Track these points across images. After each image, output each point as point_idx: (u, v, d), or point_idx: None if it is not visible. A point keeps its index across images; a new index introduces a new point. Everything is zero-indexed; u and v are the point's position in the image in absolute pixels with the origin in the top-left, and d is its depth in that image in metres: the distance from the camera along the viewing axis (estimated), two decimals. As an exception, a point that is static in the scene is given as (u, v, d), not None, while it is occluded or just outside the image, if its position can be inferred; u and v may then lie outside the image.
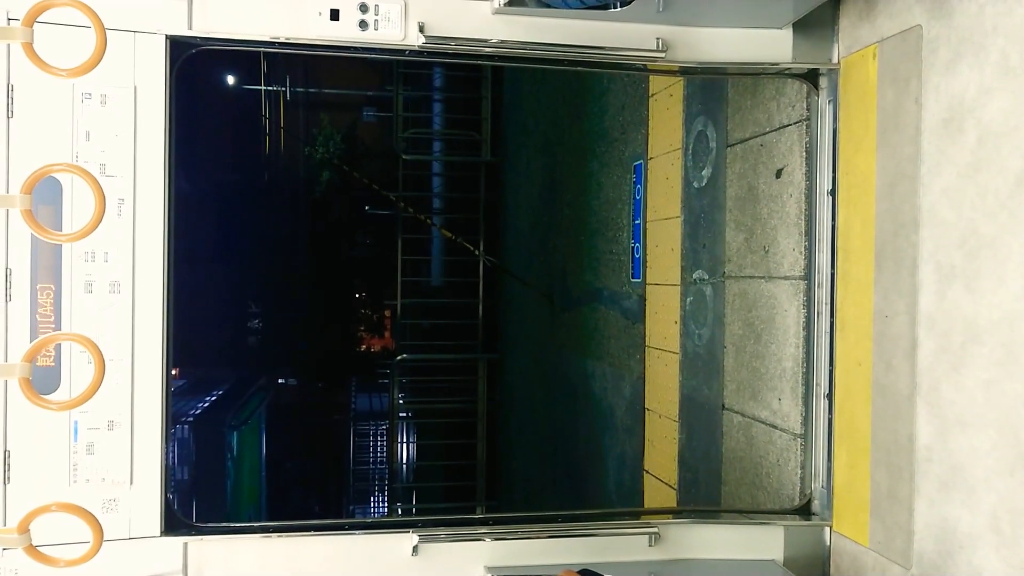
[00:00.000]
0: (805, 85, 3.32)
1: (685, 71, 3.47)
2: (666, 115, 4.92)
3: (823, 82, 3.28)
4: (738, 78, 3.89)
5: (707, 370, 4.36)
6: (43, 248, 2.73)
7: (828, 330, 3.24)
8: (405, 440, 12.06)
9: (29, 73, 2.57)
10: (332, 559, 2.98)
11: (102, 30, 2.18)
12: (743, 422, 3.93)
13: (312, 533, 3.00)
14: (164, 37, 2.82)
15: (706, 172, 4.40)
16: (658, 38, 3.09)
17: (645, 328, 5.29)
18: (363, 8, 2.92)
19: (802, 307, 3.39)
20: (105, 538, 2.24)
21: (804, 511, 3.29)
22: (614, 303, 5.96)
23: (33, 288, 2.73)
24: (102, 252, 2.77)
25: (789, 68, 3.25)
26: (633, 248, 5.47)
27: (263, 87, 13.91)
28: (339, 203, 14.89)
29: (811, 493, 3.29)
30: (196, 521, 2.96)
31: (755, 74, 3.52)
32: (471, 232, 10.96)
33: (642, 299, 5.33)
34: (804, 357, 3.37)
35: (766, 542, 3.21)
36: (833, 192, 3.24)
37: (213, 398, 12.97)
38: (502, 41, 3.01)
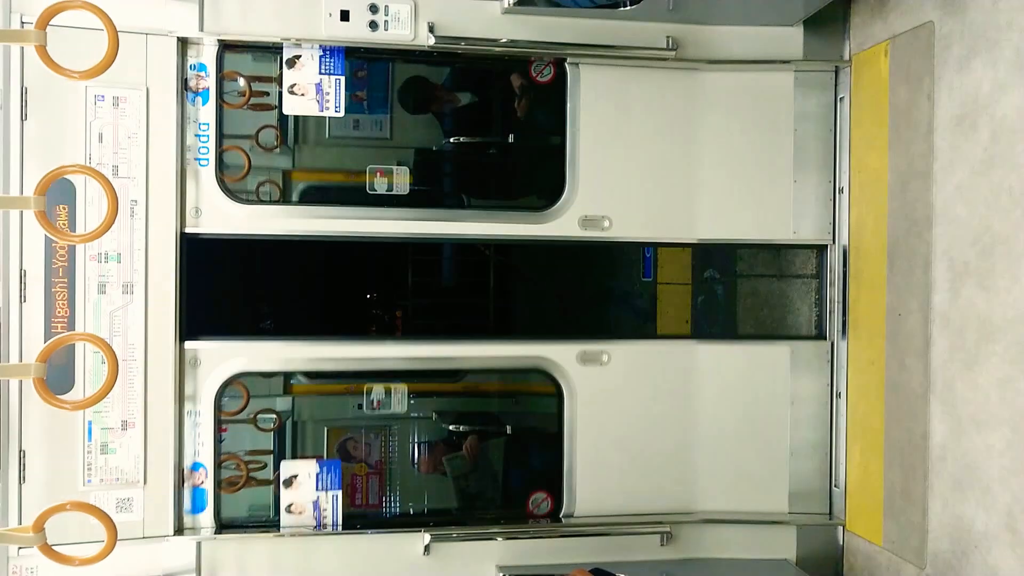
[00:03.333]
0: (816, 82, 3.31)
1: (695, 69, 3.45)
2: (676, 114, 4.89)
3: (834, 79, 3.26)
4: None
5: (719, 369, 4.33)
6: (57, 249, 2.75)
7: (841, 328, 3.23)
8: (416, 440, 12.05)
9: (43, 76, 2.58)
10: (344, 558, 2.99)
11: (114, 32, 2.19)
12: (755, 421, 3.90)
13: (324, 533, 3.01)
14: (176, 39, 2.84)
15: (717, 170, 4.37)
16: (668, 36, 3.08)
17: (656, 327, 5.26)
18: (373, 9, 2.93)
19: (814, 305, 3.37)
20: (119, 537, 2.25)
21: None
22: (625, 302, 5.93)
23: (47, 289, 2.74)
24: (115, 253, 2.79)
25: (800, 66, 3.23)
26: (644, 247, 5.43)
27: (274, 88, 13.93)
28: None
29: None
30: (209, 520, 2.97)
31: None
32: (481, 231, 10.94)
33: (653, 298, 5.30)
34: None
35: (779, 541, 3.20)
36: (845, 190, 3.22)
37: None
38: (512, 41, 3.01)
